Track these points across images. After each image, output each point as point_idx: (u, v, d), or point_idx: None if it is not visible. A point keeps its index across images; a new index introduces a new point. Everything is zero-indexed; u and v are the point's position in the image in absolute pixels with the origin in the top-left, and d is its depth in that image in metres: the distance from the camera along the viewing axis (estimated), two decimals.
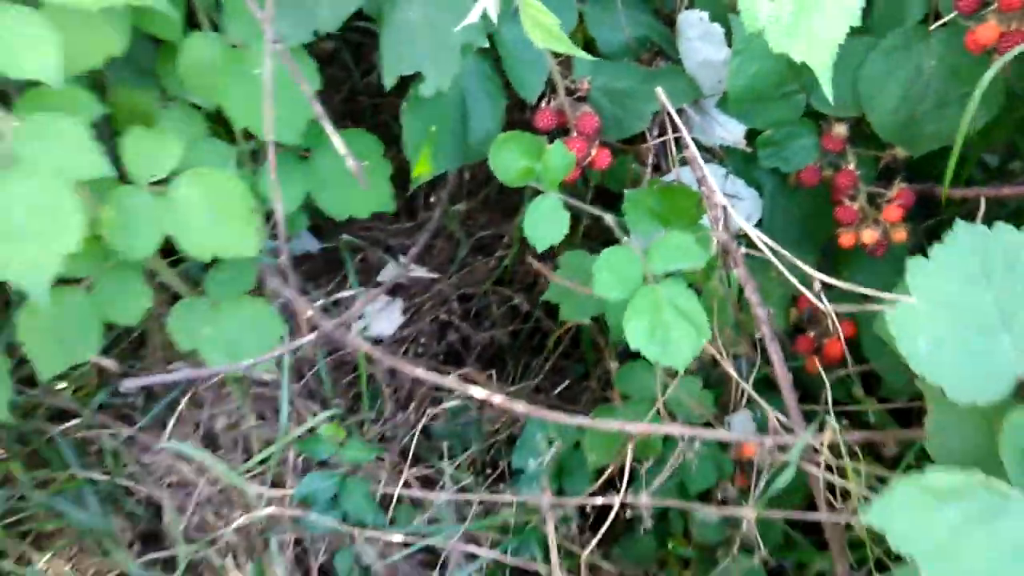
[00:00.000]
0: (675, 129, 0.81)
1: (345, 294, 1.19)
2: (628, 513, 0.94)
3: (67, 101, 0.83)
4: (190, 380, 1.11)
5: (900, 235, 0.92)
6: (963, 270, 0.65)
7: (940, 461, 0.62)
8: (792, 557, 1.02)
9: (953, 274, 0.65)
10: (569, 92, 0.93)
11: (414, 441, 1.11)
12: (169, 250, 0.94)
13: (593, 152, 0.92)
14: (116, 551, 1.12)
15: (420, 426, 1.13)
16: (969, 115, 0.78)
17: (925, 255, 0.67)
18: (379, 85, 0.89)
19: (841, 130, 0.92)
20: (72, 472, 1.13)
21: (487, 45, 0.89)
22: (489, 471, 1.17)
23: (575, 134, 0.92)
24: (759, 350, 0.94)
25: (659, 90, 0.82)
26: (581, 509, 1.03)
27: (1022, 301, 0.63)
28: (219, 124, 0.98)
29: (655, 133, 0.98)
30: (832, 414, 0.79)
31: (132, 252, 0.89)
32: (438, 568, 1.07)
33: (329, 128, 0.87)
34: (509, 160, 0.87)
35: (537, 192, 0.87)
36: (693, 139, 0.81)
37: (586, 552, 0.95)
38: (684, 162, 0.96)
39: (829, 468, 0.80)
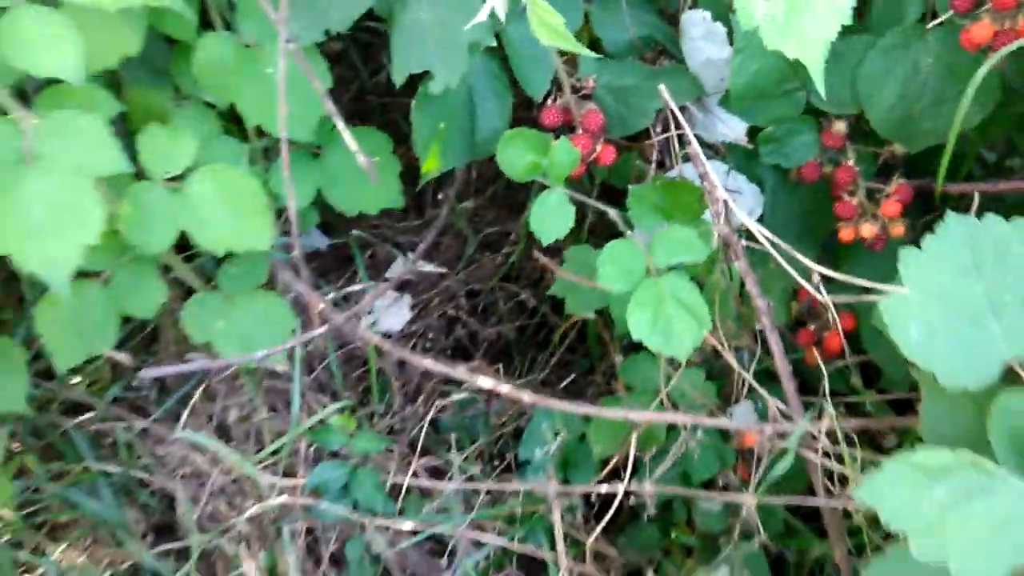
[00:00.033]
0: (678, 126, 0.82)
1: (355, 288, 1.18)
2: (632, 502, 0.94)
3: (85, 99, 0.84)
4: (203, 373, 1.12)
5: (898, 230, 0.92)
6: (954, 260, 0.66)
7: (932, 444, 0.63)
8: (792, 544, 1.02)
9: (945, 264, 0.66)
10: (575, 90, 0.94)
11: (423, 433, 1.11)
12: (183, 246, 0.95)
13: (598, 149, 0.93)
14: (130, 541, 1.13)
15: (428, 418, 1.13)
16: (962, 112, 0.78)
17: (919, 248, 0.67)
18: (387, 84, 0.90)
19: (841, 127, 0.93)
20: (86, 464, 1.14)
21: (495, 44, 0.90)
22: (496, 462, 1.17)
23: (580, 131, 0.94)
24: (760, 342, 0.94)
25: (663, 88, 0.82)
26: (586, 498, 1.03)
27: (1011, 291, 0.64)
28: (232, 122, 0.99)
29: (659, 130, 0.99)
30: (830, 403, 0.80)
31: (149, 246, 0.91)
32: (446, 556, 1.07)
33: (341, 125, 0.88)
34: (516, 156, 0.89)
35: (543, 188, 0.88)
36: (696, 136, 0.82)
37: (591, 540, 0.95)
38: (687, 158, 0.97)
39: (827, 455, 0.81)
